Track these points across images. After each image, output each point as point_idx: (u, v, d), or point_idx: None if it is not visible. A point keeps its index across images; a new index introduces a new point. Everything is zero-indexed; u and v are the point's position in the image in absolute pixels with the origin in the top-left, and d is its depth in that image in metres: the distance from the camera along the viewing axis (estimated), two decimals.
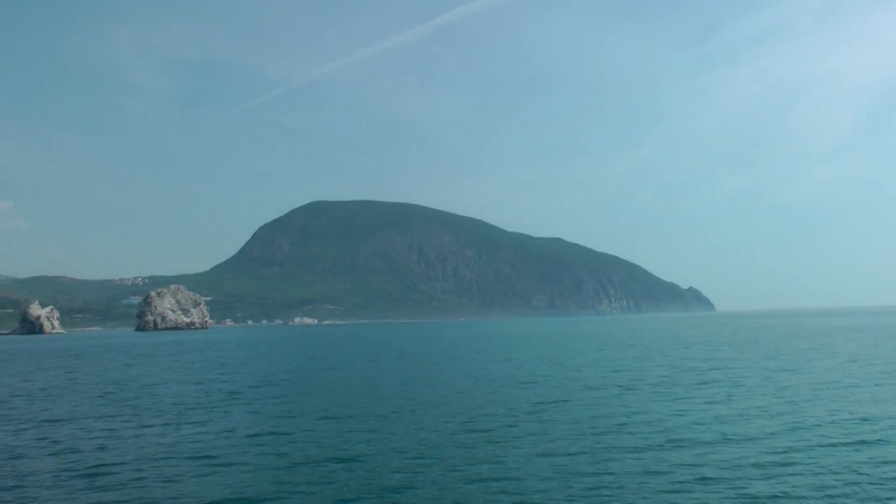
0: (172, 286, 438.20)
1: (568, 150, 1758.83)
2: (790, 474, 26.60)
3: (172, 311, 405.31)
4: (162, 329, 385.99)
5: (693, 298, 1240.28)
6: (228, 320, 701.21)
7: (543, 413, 41.99)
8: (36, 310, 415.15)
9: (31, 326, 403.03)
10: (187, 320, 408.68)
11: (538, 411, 42.66)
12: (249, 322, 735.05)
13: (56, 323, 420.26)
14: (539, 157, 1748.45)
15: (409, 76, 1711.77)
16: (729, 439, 32.99)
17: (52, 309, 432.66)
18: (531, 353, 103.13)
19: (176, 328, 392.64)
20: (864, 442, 32.02)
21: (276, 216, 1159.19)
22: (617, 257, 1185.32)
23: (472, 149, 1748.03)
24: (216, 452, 32.87)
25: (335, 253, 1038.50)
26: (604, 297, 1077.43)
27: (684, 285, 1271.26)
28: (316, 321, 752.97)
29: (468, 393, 52.72)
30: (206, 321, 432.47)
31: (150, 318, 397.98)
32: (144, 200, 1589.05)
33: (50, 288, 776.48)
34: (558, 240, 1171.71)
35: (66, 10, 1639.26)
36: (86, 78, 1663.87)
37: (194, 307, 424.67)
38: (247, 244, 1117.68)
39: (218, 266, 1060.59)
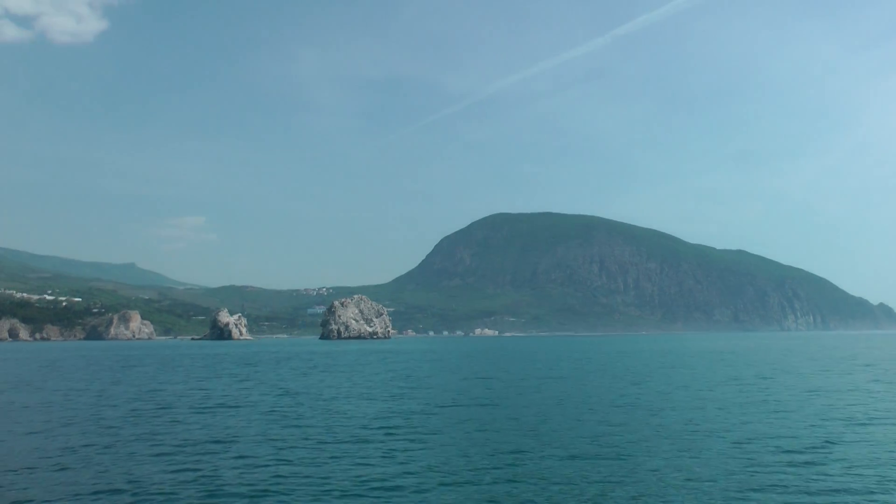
0: (356, 296, 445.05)
1: (751, 158, 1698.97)
2: None
3: (356, 320, 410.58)
4: (345, 338, 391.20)
5: (884, 315, 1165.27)
6: (410, 331, 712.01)
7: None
8: (225, 317, 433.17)
9: (221, 332, 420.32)
10: (370, 330, 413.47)
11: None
12: (431, 333, 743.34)
13: (244, 330, 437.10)
14: (721, 167, 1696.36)
15: (588, 87, 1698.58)
16: None
17: (239, 316, 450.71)
18: (753, 370, 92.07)
19: (359, 337, 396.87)
20: None
21: (457, 228, 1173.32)
22: (803, 270, 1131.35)
23: (652, 159, 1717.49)
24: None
25: (516, 265, 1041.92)
26: (789, 312, 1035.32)
27: (874, 301, 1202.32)
28: (497, 333, 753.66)
29: (751, 423, 41.62)
30: (389, 331, 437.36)
31: (333, 326, 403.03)
32: (329, 214, 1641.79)
33: (239, 297, 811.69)
34: (742, 252, 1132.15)
35: (254, 35, 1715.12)
36: (274, 99, 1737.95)
37: (377, 317, 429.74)
38: (428, 256, 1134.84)
39: (400, 277, 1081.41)
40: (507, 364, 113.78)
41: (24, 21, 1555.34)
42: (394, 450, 33.65)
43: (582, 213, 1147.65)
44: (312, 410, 49.00)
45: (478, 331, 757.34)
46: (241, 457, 32.32)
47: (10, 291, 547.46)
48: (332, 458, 31.92)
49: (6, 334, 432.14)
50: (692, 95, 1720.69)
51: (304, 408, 50.21)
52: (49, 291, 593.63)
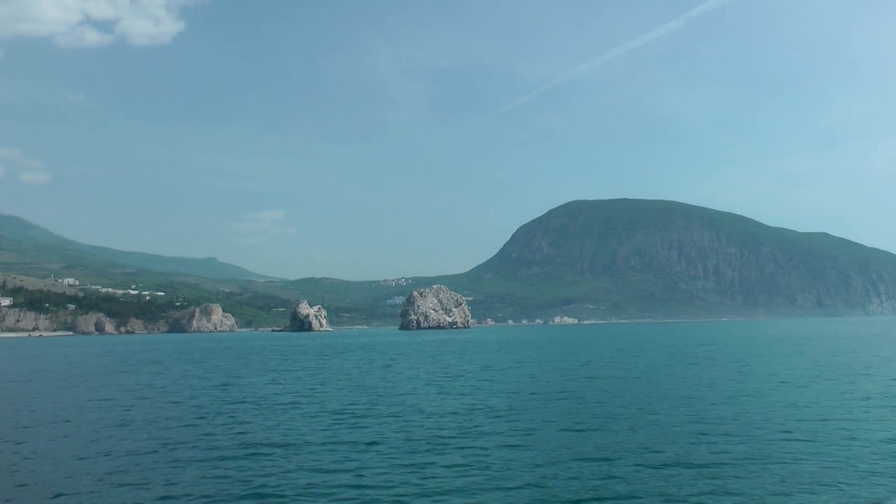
0: (434, 286, 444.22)
1: (832, 137, 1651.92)
2: None
3: (435, 310, 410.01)
4: (425, 328, 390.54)
5: None
6: (489, 320, 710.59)
7: None
8: (304, 309, 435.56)
9: (301, 324, 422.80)
10: (449, 319, 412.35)
11: None
12: (510, 322, 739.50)
13: (323, 321, 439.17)
14: (801, 147, 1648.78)
15: (663, 71, 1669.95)
16: None
17: (319, 308, 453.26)
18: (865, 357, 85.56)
19: (438, 327, 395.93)
20: None
21: (534, 216, 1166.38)
22: (888, 252, 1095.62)
23: (730, 142, 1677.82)
24: None
25: (594, 252, 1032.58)
26: (874, 295, 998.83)
27: None
28: (576, 321, 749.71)
29: None
30: (468, 321, 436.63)
31: (412, 317, 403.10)
32: (407, 205, 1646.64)
33: (319, 289, 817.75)
34: (824, 234, 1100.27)
35: (329, 30, 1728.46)
36: (349, 92, 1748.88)
37: (456, 307, 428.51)
38: (506, 245, 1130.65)
39: (478, 267, 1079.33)
40: (593, 352, 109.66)
41: (104, 26, 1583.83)
42: (478, 458, 29.94)
43: (660, 198, 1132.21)
44: (387, 407, 45.94)
45: (557, 319, 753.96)
46: (293, 469, 29.20)
47: (96, 287, 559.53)
48: (402, 466, 28.58)
49: (93, 328, 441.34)
50: (770, 75, 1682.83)
51: (379, 405, 47.12)
52: (133, 286, 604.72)
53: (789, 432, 33.95)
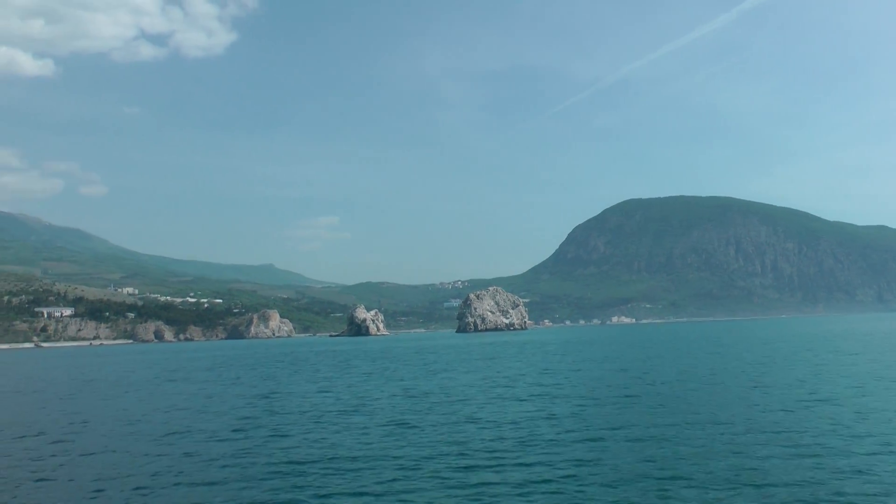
0: (491, 288, 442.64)
1: (889, 129, 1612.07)
2: None
3: (492, 312, 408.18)
4: (482, 330, 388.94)
5: None
6: (546, 321, 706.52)
7: None
8: (361, 313, 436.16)
9: (358, 328, 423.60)
10: (506, 321, 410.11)
11: None
12: (567, 322, 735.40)
13: (380, 325, 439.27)
14: (858, 139, 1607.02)
15: (717, 66, 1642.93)
16: None
17: (376, 312, 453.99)
18: None
19: (496, 329, 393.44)
20: None
21: (590, 216, 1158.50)
22: None
23: (786, 136, 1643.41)
24: None
25: (650, 251, 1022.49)
26: None
27: None
28: (633, 320, 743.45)
29: None
30: (525, 322, 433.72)
31: (469, 319, 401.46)
32: (461, 207, 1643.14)
33: (375, 293, 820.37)
34: (883, 227, 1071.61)
35: (380, 35, 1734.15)
36: (402, 97, 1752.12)
37: (513, 308, 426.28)
38: (562, 245, 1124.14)
39: (535, 268, 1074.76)
40: (660, 353, 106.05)
41: (158, 40, 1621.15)
42: (543, 477, 26.62)
43: (715, 194, 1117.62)
44: (441, 417, 42.70)
45: (614, 319, 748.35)
46: (332, 492, 26.22)
47: (155, 295, 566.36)
48: (455, 488, 25.32)
49: (152, 336, 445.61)
50: (825, 66, 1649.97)
51: (432, 414, 44.06)
52: (191, 294, 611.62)
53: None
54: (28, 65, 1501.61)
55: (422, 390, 59.93)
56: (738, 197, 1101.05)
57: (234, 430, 40.42)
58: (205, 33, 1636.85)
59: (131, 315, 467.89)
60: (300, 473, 28.56)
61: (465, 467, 28.50)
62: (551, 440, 33.60)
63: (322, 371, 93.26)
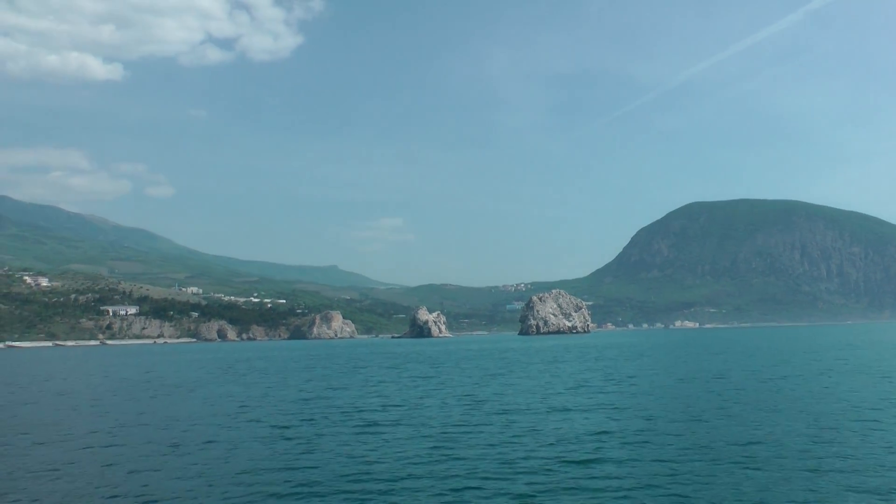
0: (554, 291, 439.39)
1: None
2: None
3: (554, 315, 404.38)
4: (544, 333, 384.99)
5: None
6: (609, 324, 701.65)
7: None
8: (424, 315, 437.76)
9: (420, 330, 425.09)
10: (569, 324, 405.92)
11: None
12: (630, 326, 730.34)
13: (443, 327, 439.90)
14: None
15: (783, 67, 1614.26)
16: None
17: (438, 314, 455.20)
18: None
19: (558, 332, 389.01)
20: None
21: (653, 219, 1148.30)
22: None
23: (853, 138, 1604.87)
24: None
25: (714, 254, 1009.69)
26: None
27: None
28: (697, 325, 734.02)
29: None
30: (588, 325, 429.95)
31: (532, 322, 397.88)
32: (525, 210, 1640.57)
33: (438, 295, 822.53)
34: None
35: (445, 37, 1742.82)
36: (467, 99, 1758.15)
37: (576, 311, 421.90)
38: (625, 248, 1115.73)
39: (598, 271, 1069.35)
40: (726, 360, 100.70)
41: (225, 44, 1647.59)
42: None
43: (780, 197, 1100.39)
44: (496, 428, 38.43)
45: (678, 323, 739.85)
46: None
47: (219, 295, 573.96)
48: None
49: (215, 335, 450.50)
50: (891, 67, 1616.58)
51: (488, 425, 39.92)
52: (255, 294, 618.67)
53: None
54: (98, 69, 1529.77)
55: (478, 397, 55.33)
56: (803, 200, 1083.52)
57: (262, 439, 36.51)
58: (271, 37, 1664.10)
59: (195, 314, 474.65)
60: (322, 494, 24.92)
61: (517, 498, 24.12)
62: (621, 460, 29.36)
63: (376, 374, 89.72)
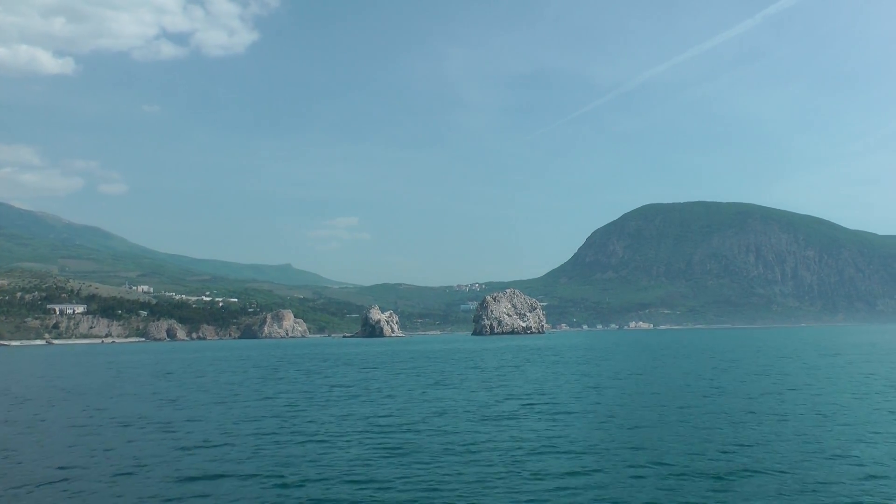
0: (508, 291, 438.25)
1: None
2: None
3: (508, 315, 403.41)
4: (498, 333, 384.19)
5: None
6: (564, 325, 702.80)
7: None
8: (376, 314, 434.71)
9: (372, 330, 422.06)
10: (523, 325, 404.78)
11: None
12: (584, 327, 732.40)
13: (395, 327, 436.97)
14: (882, 148, 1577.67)
15: (740, 71, 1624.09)
16: None
17: (391, 313, 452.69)
18: None
19: (513, 332, 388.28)
20: None
21: (609, 220, 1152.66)
22: None
23: (809, 142, 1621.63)
24: None
25: (670, 256, 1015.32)
26: None
27: None
28: (651, 326, 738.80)
29: None
30: (543, 326, 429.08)
31: (486, 322, 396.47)
32: (480, 210, 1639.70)
33: (393, 294, 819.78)
34: None
35: (401, 37, 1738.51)
36: (422, 98, 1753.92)
37: (530, 311, 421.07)
38: (580, 249, 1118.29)
39: (553, 271, 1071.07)
40: (681, 362, 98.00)
41: (179, 39, 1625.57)
42: None
43: (736, 200, 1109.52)
44: (427, 458, 33.62)
45: (632, 324, 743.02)
46: None
47: (170, 294, 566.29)
48: None
49: (164, 334, 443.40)
50: (849, 74, 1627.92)
51: (416, 448, 35.24)
52: (207, 293, 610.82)
53: None
54: (49, 63, 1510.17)
55: (408, 414, 46.47)
56: (758, 203, 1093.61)
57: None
58: (226, 32, 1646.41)
59: (144, 313, 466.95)
60: None
61: None
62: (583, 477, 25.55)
63: (288, 376, 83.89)
